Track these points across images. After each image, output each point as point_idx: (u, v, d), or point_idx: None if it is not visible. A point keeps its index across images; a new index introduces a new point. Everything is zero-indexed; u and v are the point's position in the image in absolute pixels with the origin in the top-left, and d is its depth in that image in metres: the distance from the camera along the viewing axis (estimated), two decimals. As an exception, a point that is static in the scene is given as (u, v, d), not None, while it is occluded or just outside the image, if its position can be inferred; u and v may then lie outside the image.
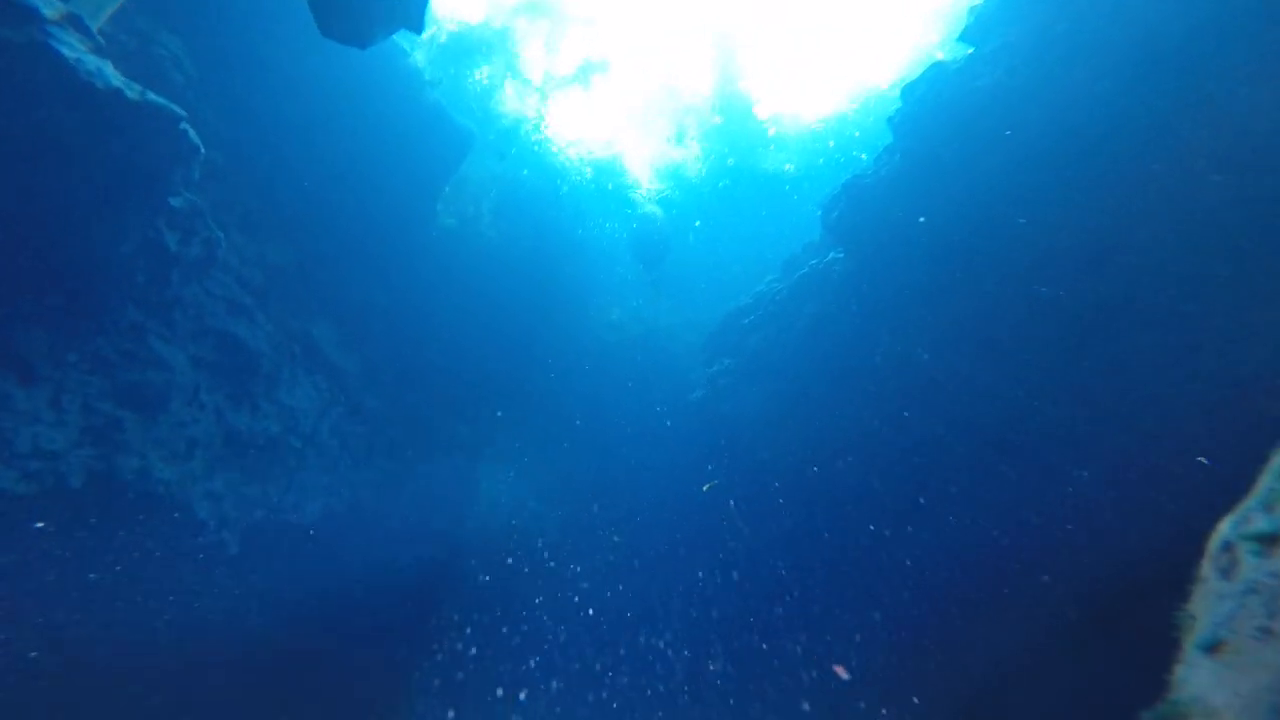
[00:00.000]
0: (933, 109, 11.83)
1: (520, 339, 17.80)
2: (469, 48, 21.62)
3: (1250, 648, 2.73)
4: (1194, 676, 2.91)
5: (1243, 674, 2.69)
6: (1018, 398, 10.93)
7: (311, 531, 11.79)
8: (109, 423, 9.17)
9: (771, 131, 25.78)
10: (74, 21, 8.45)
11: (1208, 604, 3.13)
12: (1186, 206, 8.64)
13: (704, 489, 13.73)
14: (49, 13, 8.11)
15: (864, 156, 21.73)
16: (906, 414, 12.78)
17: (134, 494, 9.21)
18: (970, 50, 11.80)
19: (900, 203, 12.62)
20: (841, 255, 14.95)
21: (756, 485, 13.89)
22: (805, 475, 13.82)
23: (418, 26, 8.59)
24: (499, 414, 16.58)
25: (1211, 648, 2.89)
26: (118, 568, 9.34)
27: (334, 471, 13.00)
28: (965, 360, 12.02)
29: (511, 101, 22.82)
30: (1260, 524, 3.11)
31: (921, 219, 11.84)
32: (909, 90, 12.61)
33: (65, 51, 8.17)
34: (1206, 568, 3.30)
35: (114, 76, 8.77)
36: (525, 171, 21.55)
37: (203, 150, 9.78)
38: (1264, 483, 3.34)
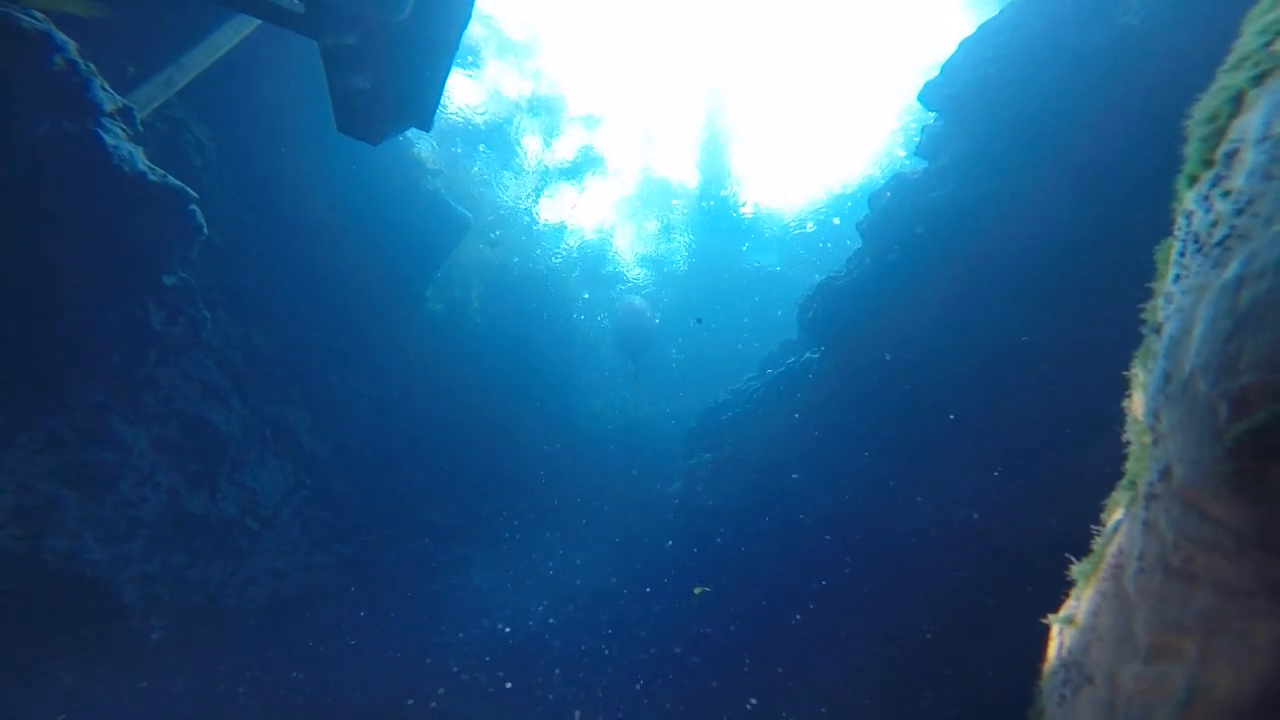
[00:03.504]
0: (896, 217, 12.83)
1: (501, 425, 17.64)
2: (470, 138, 23.16)
3: None
4: None
5: None
6: (993, 489, 10.95)
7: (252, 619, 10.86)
8: (45, 502, 8.65)
9: (754, 230, 27.35)
10: (124, 113, 9.09)
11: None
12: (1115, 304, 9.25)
13: (696, 592, 13.09)
14: (109, 106, 8.76)
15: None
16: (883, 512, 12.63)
17: (50, 576, 8.54)
18: (925, 164, 13.03)
19: (870, 303, 13.29)
20: (817, 355, 15.41)
21: (732, 578, 13.34)
22: (782, 569, 13.35)
23: (427, 126, 9.31)
24: (467, 497, 16.06)
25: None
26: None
27: (290, 555, 12.25)
28: (939, 459, 12.13)
29: (507, 190, 24.16)
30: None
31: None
32: (875, 198, 13.72)
33: (107, 139, 8.74)
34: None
35: (141, 162, 9.26)
36: (515, 259, 22.42)
37: (205, 230, 10.12)
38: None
